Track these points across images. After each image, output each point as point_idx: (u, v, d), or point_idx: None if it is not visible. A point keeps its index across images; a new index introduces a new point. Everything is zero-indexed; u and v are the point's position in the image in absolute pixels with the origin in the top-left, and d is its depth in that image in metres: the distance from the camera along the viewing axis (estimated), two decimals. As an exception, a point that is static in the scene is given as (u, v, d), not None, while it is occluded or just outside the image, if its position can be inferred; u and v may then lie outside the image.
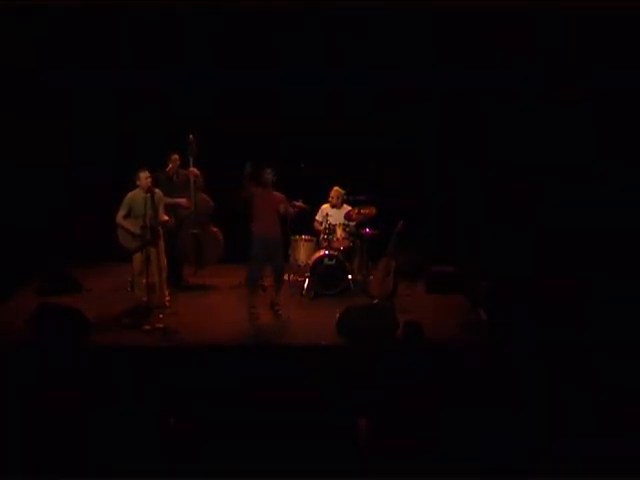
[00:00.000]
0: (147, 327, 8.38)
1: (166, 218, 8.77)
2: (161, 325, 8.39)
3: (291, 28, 10.45)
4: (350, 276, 9.67)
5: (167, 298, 8.95)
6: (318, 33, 10.46)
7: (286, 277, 10.19)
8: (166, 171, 9.65)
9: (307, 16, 10.23)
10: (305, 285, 9.70)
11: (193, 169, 9.70)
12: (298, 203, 10.04)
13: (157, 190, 8.69)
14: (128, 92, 10.65)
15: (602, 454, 5.51)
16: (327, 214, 10.00)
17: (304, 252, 10.04)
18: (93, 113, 10.74)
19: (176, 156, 9.69)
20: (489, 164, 10.26)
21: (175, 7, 10.12)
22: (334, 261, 9.59)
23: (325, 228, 9.87)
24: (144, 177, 8.53)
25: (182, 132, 9.69)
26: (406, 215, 9.55)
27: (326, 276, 9.60)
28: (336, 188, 9.99)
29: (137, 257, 8.65)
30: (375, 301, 9.30)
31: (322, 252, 9.66)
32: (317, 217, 10.11)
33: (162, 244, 8.71)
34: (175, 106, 10.57)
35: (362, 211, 9.76)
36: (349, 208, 9.92)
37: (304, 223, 10.16)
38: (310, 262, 9.69)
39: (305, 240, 10.10)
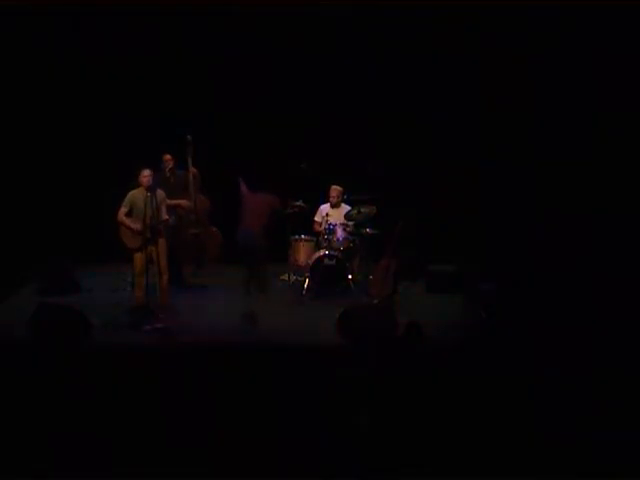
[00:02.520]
0: (147, 327, 8.38)
1: (166, 217, 8.78)
2: (161, 325, 8.39)
3: (290, 26, 10.45)
4: (350, 276, 9.67)
5: (167, 298, 8.95)
6: (316, 31, 10.47)
7: (286, 277, 10.22)
8: (165, 171, 9.68)
9: (308, 14, 10.23)
10: (305, 285, 9.69)
11: (193, 169, 9.73)
12: (298, 203, 10.05)
13: (160, 190, 8.70)
14: (128, 92, 10.66)
15: (602, 454, 5.51)
16: (326, 214, 10.00)
17: (304, 252, 10.03)
18: (93, 112, 10.75)
19: (169, 156, 9.72)
20: (489, 163, 10.27)
21: (173, 6, 10.14)
22: (334, 261, 9.59)
23: (325, 228, 9.87)
24: (144, 175, 8.54)
25: (181, 132, 9.72)
26: (406, 215, 9.56)
27: (326, 276, 9.60)
28: (334, 187, 9.98)
29: (138, 257, 8.66)
30: (375, 301, 9.30)
31: (322, 252, 9.65)
32: (316, 218, 10.11)
33: (163, 244, 8.72)
34: (174, 106, 10.58)
35: (362, 210, 9.76)
36: (348, 208, 9.92)
37: (304, 223, 10.17)
38: (310, 262, 9.68)
39: (305, 240, 10.09)
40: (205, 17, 10.37)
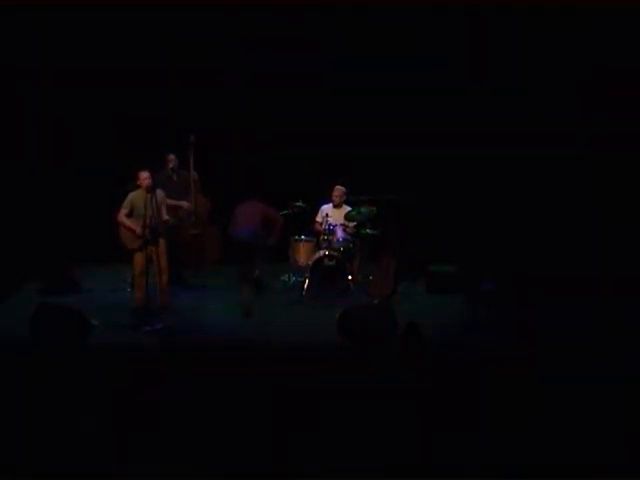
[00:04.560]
0: (147, 327, 8.38)
1: (167, 218, 8.78)
2: (161, 325, 8.39)
3: (290, 25, 10.46)
4: (350, 276, 9.66)
5: (167, 298, 8.95)
6: (317, 30, 10.48)
7: (286, 277, 10.21)
8: (168, 171, 9.71)
9: (309, 11, 10.24)
10: (305, 285, 9.69)
11: (194, 173, 9.78)
12: (298, 203, 10.02)
13: (160, 191, 8.72)
14: (129, 92, 10.66)
15: (602, 455, 5.51)
16: (327, 214, 10.00)
17: (304, 252, 10.01)
18: (93, 112, 10.76)
19: (172, 156, 9.75)
20: (489, 162, 10.27)
21: (177, 6, 10.15)
22: (334, 261, 9.58)
23: (325, 229, 9.86)
24: (143, 177, 8.56)
25: (183, 133, 9.74)
26: (407, 214, 9.56)
27: (326, 276, 9.59)
28: (338, 187, 9.98)
29: (138, 257, 8.66)
30: (375, 301, 9.30)
31: (322, 252, 9.65)
32: (317, 219, 10.11)
33: (163, 244, 8.72)
34: (175, 106, 10.58)
35: (362, 210, 9.76)
36: (349, 208, 9.91)
37: (304, 223, 10.16)
38: (310, 262, 9.68)
39: (305, 240, 10.09)
40: (208, 17, 10.37)
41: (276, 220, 9.50)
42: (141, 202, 8.55)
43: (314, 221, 10.13)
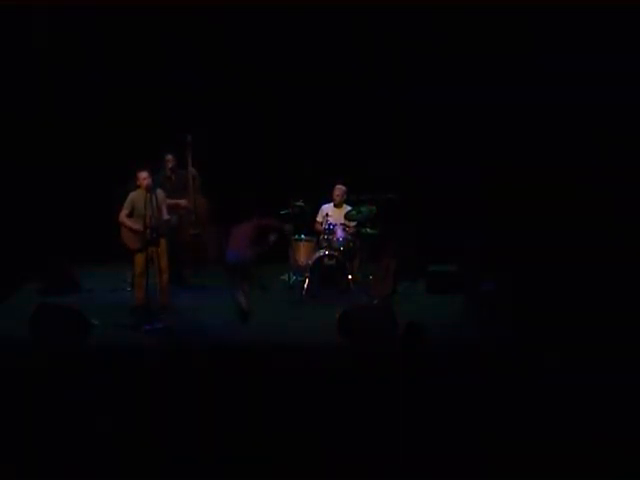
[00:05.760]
0: (147, 327, 8.39)
1: (167, 217, 8.79)
2: (161, 325, 8.39)
3: (290, 26, 10.47)
4: (350, 276, 9.66)
5: (167, 298, 8.95)
6: (315, 31, 10.49)
7: (286, 277, 10.21)
8: (167, 171, 9.72)
9: (306, 15, 10.25)
10: (305, 285, 9.69)
11: (192, 170, 9.79)
12: (298, 203, 10.02)
13: (160, 191, 8.73)
14: (130, 92, 10.67)
15: (601, 455, 5.51)
16: (327, 214, 10.00)
17: (304, 252, 10.01)
18: (92, 113, 10.76)
19: (170, 157, 9.76)
20: (490, 163, 10.28)
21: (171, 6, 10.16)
22: (334, 261, 9.58)
23: (325, 228, 9.86)
24: (142, 177, 8.57)
25: (181, 133, 9.74)
26: (407, 214, 9.58)
27: (326, 276, 9.59)
28: (339, 186, 9.98)
29: (139, 257, 8.67)
30: (375, 301, 9.30)
31: (322, 252, 9.64)
32: (317, 218, 10.11)
33: (164, 244, 8.73)
34: (175, 106, 10.59)
35: (362, 210, 9.76)
36: (349, 208, 9.92)
37: (304, 223, 10.17)
38: (310, 262, 9.68)
39: (305, 240, 10.09)
40: (205, 16, 10.38)
41: (271, 227, 9.18)
42: (141, 202, 8.55)
43: (314, 221, 10.13)
